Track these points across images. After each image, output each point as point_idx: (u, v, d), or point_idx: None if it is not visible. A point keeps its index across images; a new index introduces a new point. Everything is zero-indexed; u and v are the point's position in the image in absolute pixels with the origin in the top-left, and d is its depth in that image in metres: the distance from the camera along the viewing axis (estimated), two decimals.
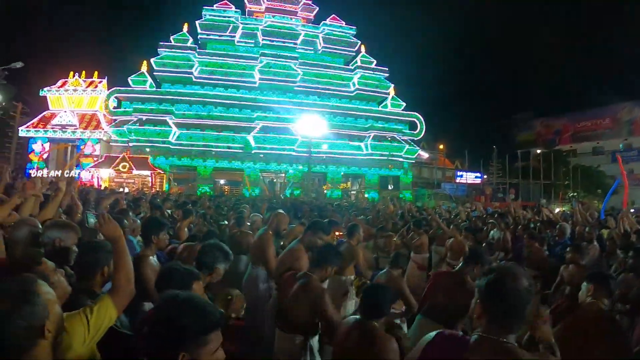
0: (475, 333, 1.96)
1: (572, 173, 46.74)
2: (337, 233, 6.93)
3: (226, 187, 39.50)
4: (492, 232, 8.85)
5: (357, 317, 3.11)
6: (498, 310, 1.91)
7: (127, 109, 38.65)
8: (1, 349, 1.61)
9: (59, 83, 38.72)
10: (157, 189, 29.36)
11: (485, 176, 47.48)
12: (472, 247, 5.94)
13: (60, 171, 29.48)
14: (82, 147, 36.96)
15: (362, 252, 6.10)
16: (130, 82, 39.88)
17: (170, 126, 38.13)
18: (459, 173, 48.89)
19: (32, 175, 28.78)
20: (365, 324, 2.98)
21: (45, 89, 38.12)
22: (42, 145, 37.06)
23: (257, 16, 46.31)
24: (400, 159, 43.87)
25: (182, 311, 1.64)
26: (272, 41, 44.18)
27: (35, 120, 37.46)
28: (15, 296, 1.69)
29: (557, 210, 16.48)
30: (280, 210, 6.36)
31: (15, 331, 1.63)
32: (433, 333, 2.10)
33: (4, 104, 30.72)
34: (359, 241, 6.08)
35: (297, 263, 4.29)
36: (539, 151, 55.58)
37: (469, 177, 47.92)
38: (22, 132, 36.40)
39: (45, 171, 33.64)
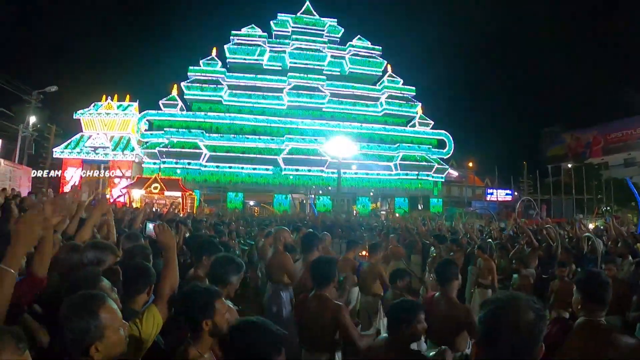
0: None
1: (604, 186, 45.54)
2: (363, 253, 7.12)
3: (256, 208, 39.73)
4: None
5: (386, 335, 3.05)
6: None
7: (158, 132, 39.57)
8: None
9: (92, 106, 39.87)
10: (189, 211, 29.61)
11: (515, 193, 46.56)
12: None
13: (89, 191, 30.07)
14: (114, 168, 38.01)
15: (384, 270, 6.22)
16: (161, 106, 40.82)
17: (200, 148, 38.74)
18: (489, 190, 48.10)
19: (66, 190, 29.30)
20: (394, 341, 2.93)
21: (79, 111, 39.35)
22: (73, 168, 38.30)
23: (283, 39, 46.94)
24: (430, 178, 43.64)
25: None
26: (299, 63, 44.83)
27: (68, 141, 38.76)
28: (72, 309, 1.79)
29: (590, 225, 16.05)
30: (283, 227, 6.62)
31: (62, 341, 1.76)
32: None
33: (38, 125, 31.72)
34: (377, 260, 6.33)
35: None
36: (569, 165, 54.36)
37: (500, 195, 47.08)
38: (56, 153, 37.52)
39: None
